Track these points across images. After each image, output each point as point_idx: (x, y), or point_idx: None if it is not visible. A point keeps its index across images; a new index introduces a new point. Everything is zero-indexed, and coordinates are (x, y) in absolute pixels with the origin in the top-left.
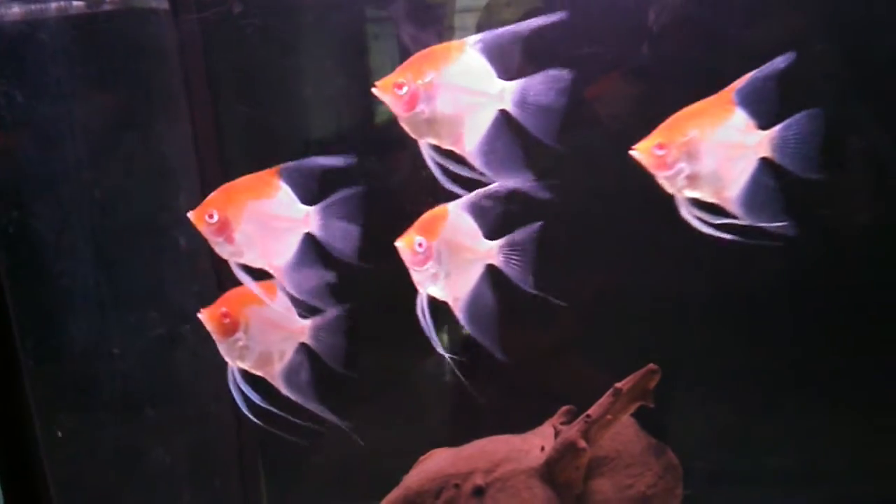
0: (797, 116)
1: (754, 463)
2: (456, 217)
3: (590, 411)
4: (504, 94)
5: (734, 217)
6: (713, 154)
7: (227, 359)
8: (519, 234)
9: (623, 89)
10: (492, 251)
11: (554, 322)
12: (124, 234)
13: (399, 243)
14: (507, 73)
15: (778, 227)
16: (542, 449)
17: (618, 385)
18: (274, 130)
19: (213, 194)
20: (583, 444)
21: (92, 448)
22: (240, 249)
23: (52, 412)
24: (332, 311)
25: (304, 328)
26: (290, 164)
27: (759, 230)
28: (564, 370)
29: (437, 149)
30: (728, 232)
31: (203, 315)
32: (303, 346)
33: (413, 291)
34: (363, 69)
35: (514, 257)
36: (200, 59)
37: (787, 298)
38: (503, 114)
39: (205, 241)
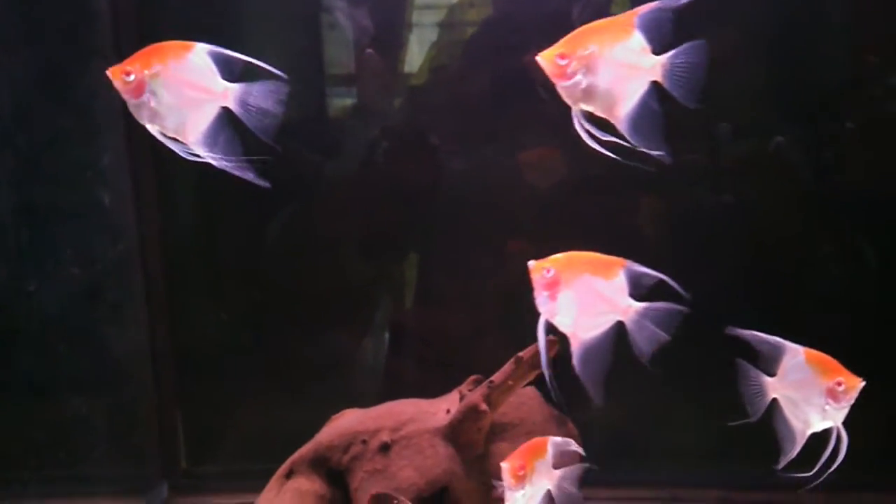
0: (685, 46)
1: (653, 439)
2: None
3: (493, 377)
4: (228, 93)
5: (622, 137)
6: (609, 70)
7: None
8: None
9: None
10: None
11: (477, 307)
12: (48, 187)
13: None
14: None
15: (657, 154)
16: (448, 412)
17: (519, 354)
18: None
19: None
20: (484, 406)
21: (8, 399)
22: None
23: None
24: None
25: None
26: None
27: (640, 155)
28: (484, 350)
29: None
30: (613, 152)
31: (505, 466)
32: None
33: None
34: (317, 59)
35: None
36: (133, 19)
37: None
38: (226, 111)
39: (128, 200)
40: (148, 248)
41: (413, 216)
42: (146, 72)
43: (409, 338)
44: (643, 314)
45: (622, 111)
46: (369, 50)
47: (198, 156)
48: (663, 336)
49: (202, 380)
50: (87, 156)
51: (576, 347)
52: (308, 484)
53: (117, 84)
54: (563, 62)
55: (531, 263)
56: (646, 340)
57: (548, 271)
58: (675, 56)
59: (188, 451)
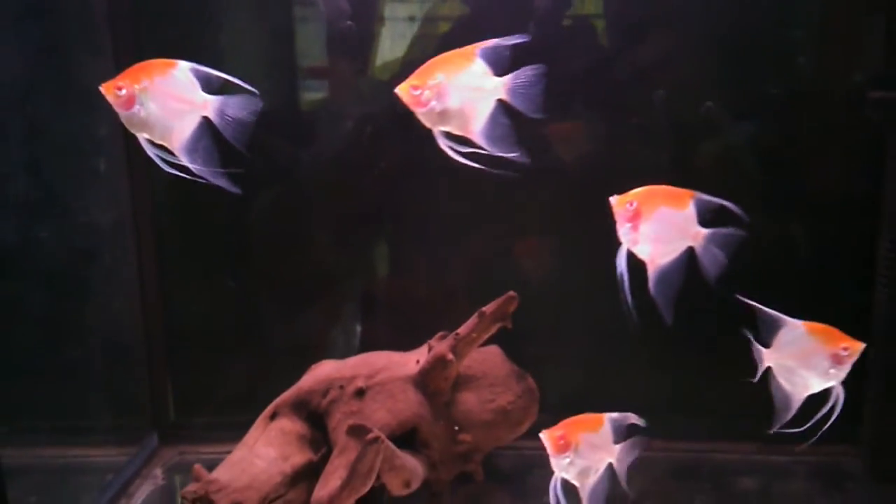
0: (525, 68)
1: (605, 394)
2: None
3: (458, 330)
4: (207, 104)
5: (480, 148)
6: (458, 94)
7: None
8: None
9: None
10: None
11: (448, 273)
12: (51, 153)
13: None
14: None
15: (513, 157)
16: (418, 362)
17: (483, 309)
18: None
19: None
20: (451, 356)
21: (11, 342)
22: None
23: None
24: None
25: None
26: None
27: (501, 160)
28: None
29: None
30: (476, 161)
31: (543, 435)
32: None
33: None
34: (288, 51)
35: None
36: None
37: None
38: (207, 121)
39: (122, 169)
40: (139, 214)
41: (385, 203)
42: (135, 86)
43: (382, 304)
44: (710, 239)
45: (476, 127)
46: (349, 22)
47: (175, 167)
48: (723, 258)
49: (189, 338)
50: (85, 125)
51: (652, 273)
52: (290, 425)
53: (110, 98)
54: (416, 92)
55: (613, 198)
56: (711, 263)
57: (631, 204)
58: (515, 77)
59: (176, 405)
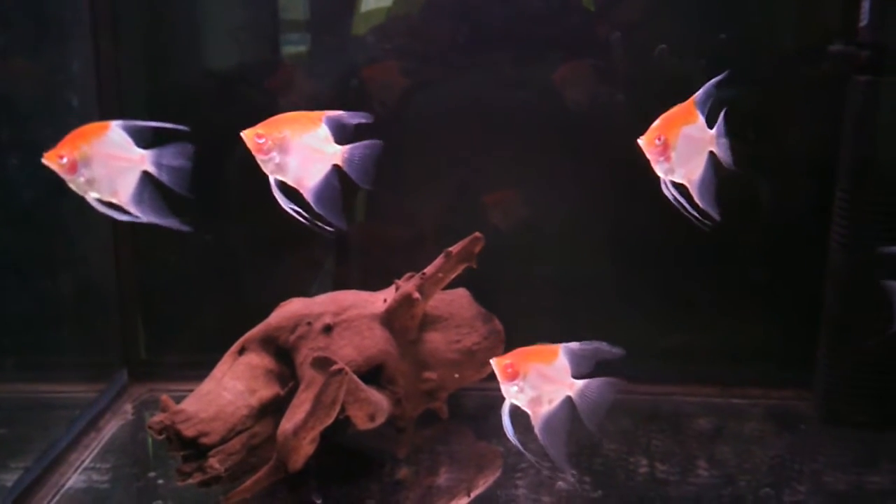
0: (363, 142)
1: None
2: None
3: (425, 270)
4: (144, 158)
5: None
6: (299, 151)
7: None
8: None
9: (396, 79)
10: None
11: (415, 218)
12: (27, 86)
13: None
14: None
15: (331, 222)
16: (385, 301)
17: (449, 249)
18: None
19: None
20: (417, 295)
21: None
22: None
23: None
24: None
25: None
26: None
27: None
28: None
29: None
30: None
31: (493, 361)
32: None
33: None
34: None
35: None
36: None
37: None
38: (145, 174)
39: (93, 103)
40: None
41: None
42: (76, 153)
43: (353, 249)
44: (718, 135)
45: (309, 184)
46: None
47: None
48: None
49: (161, 276)
50: (58, 60)
51: (693, 190)
52: (258, 359)
53: (54, 167)
54: (260, 140)
55: (641, 140)
56: (724, 152)
57: (659, 139)
58: (353, 148)
59: (147, 343)
